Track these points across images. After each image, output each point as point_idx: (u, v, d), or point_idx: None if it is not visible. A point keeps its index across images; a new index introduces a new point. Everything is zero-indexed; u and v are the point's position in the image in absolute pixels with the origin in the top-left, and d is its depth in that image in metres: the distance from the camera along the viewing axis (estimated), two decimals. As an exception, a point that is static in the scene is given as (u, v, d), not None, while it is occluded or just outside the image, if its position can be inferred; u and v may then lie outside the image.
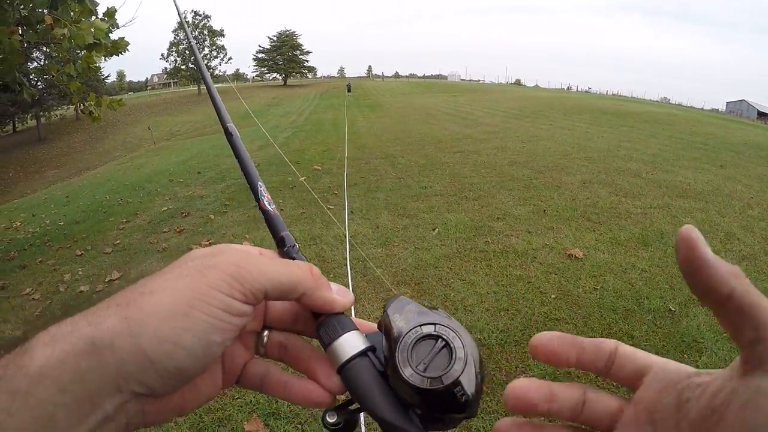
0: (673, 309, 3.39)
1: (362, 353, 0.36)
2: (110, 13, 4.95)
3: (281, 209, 5.92)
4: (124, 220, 6.40)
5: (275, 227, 0.42)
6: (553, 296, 3.59)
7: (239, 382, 0.39)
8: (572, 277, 3.89)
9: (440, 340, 0.35)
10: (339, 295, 0.38)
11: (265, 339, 0.39)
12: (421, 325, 0.35)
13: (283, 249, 0.41)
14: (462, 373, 0.33)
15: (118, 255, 5.10)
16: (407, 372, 0.33)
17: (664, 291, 3.66)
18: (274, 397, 0.44)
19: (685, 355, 2.89)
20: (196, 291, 0.30)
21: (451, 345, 0.34)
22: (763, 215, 5.56)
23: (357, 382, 0.35)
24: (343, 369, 0.36)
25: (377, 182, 7.04)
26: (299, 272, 0.36)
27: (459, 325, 0.36)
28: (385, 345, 0.36)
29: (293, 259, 0.40)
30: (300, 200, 6.26)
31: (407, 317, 0.36)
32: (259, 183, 0.44)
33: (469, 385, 0.33)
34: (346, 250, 4.43)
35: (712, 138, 12.19)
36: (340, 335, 0.36)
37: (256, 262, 0.33)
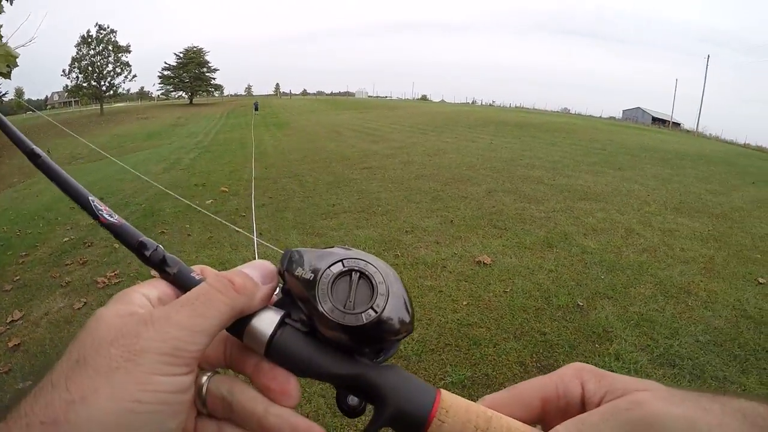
0: (581, 303, 3.53)
1: (280, 324, 0.33)
2: None
3: (188, 234, 5.69)
4: (24, 254, 5.84)
5: (128, 237, 0.36)
6: (464, 303, 3.62)
7: None
8: (482, 282, 3.97)
9: (354, 273, 0.33)
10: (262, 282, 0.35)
11: (204, 391, 0.32)
12: (329, 266, 0.34)
13: (147, 254, 0.35)
14: (388, 296, 0.33)
15: (18, 292, 4.54)
16: (338, 316, 0.32)
17: (571, 288, 3.81)
18: None
19: (597, 345, 2.99)
20: (137, 384, 0.26)
21: (367, 273, 0.33)
22: (660, 210, 6.03)
23: (287, 354, 0.33)
24: (269, 350, 0.32)
25: (285, 202, 6.94)
26: (226, 300, 0.31)
27: (360, 251, 0.35)
28: (302, 305, 0.34)
29: (164, 267, 0.35)
30: (207, 224, 5.94)
31: (311, 265, 0.34)
32: (90, 198, 0.37)
33: (398, 307, 0.33)
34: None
35: (610, 144, 13.03)
36: (251, 320, 0.33)
37: (181, 322, 0.28)
